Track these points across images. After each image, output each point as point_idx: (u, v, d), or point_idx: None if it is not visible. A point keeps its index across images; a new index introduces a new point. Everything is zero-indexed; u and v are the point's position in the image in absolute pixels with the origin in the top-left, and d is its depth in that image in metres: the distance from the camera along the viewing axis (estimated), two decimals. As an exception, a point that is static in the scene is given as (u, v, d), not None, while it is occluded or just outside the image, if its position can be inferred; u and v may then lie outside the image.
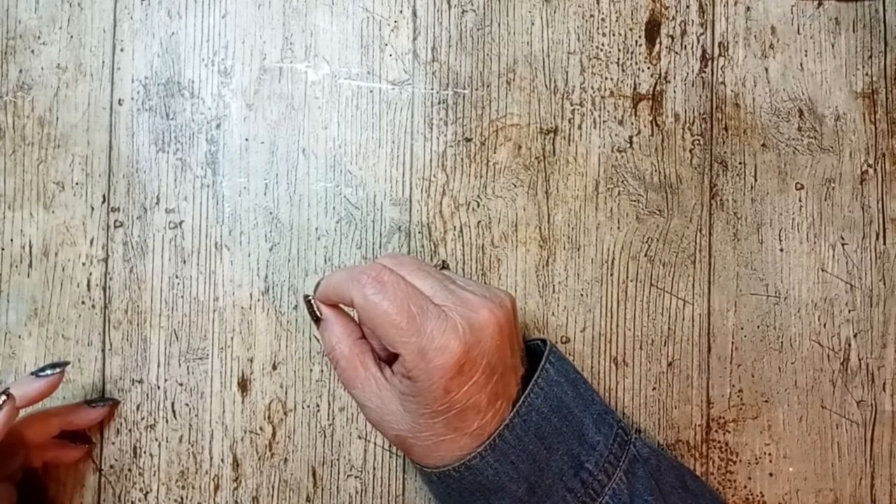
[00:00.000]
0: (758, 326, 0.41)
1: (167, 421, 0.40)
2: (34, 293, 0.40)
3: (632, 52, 0.41)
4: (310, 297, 0.34)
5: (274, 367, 0.40)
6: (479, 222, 0.41)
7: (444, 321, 0.30)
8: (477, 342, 0.30)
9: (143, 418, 0.40)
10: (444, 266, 0.37)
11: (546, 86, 0.41)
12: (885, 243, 0.41)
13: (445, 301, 0.31)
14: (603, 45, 0.41)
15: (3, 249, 0.41)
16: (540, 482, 0.32)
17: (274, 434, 0.40)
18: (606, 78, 0.41)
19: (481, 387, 0.30)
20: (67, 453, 0.39)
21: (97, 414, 0.39)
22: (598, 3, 0.41)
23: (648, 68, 0.41)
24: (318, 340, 0.40)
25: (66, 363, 0.36)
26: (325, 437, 0.40)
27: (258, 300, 0.40)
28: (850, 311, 0.41)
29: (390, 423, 0.32)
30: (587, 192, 0.41)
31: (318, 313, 0.34)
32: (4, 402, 0.33)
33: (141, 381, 0.40)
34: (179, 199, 0.41)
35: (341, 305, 0.34)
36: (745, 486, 0.40)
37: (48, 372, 0.35)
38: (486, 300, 0.31)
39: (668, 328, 0.41)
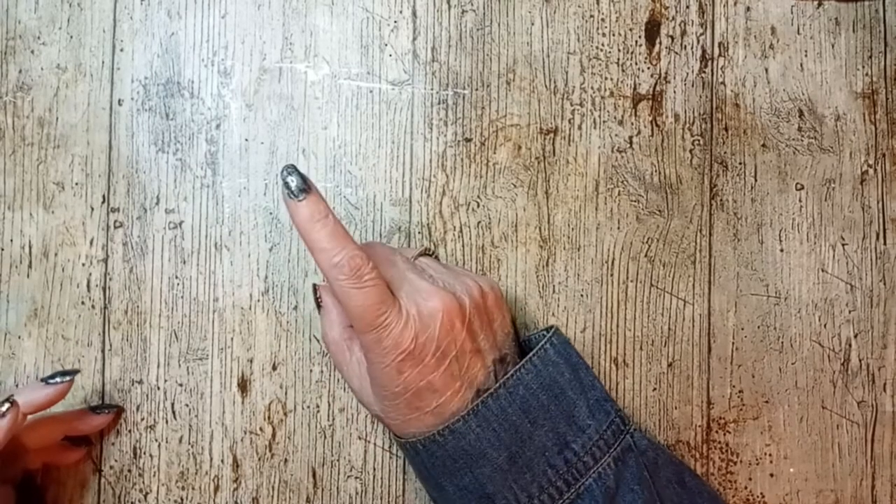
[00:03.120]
0: (758, 327, 0.41)
1: (167, 421, 0.40)
2: (34, 294, 0.40)
3: (632, 53, 0.41)
4: (316, 285, 0.37)
5: (274, 368, 0.40)
6: (478, 223, 0.41)
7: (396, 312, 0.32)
8: (425, 328, 0.32)
9: (142, 419, 0.40)
10: (427, 253, 0.38)
11: (546, 86, 0.41)
12: (885, 243, 0.41)
13: (400, 291, 0.33)
14: (603, 45, 0.41)
15: (2, 250, 0.41)
16: (521, 453, 0.33)
17: (274, 435, 0.40)
18: (606, 78, 0.41)
19: (433, 369, 0.32)
20: (67, 455, 0.39)
21: (101, 420, 0.39)
22: (598, 4, 0.41)
23: (648, 68, 0.41)
24: (318, 341, 0.40)
25: (76, 371, 0.36)
26: (325, 437, 0.40)
27: (258, 300, 0.40)
28: (850, 312, 0.41)
29: (369, 404, 0.35)
30: (587, 193, 0.41)
31: (319, 301, 0.37)
32: (8, 409, 0.32)
33: (141, 382, 0.40)
34: (179, 200, 0.41)
35: None
36: (746, 487, 0.40)
37: (57, 380, 0.34)
38: (440, 290, 0.33)
39: (669, 329, 0.41)
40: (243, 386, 0.40)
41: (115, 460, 0.40)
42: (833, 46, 0.41)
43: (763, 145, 0.41)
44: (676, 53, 0.41)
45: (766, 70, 0.41)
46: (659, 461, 0.35)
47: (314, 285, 0.38)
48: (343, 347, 0.35)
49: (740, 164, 0.41)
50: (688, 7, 0.41)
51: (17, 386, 0.40)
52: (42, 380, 0.35)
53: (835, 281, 0.41)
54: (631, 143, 0.41)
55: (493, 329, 0.35)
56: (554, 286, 0.41)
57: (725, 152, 0.41)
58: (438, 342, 0.32)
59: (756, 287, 0.41)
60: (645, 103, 0.41)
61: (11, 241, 0.41)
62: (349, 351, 0.35)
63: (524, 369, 0.34)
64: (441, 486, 0.34)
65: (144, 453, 0.40)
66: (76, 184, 0.41)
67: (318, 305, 0.37)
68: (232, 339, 0.40)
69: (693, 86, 0.41)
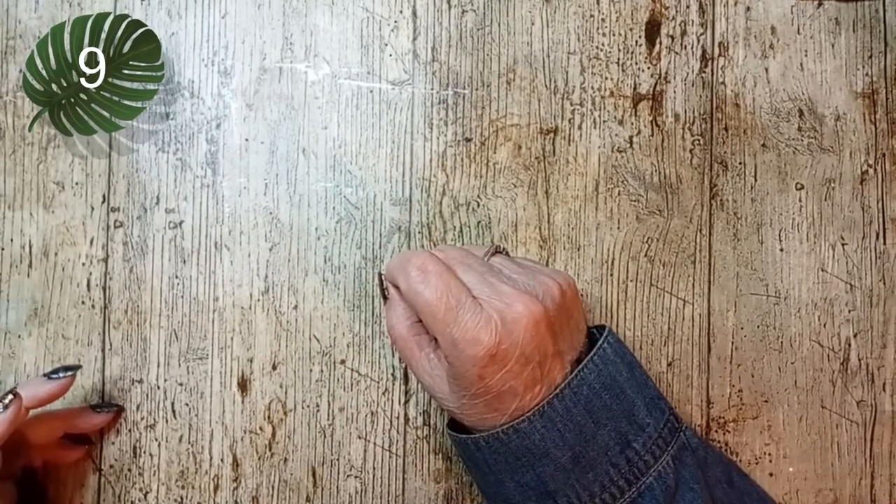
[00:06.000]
0: (758, 326, 0.41)
1: (167, 421, 0.40)
2: (34, 293, 0.40)
3: (632, 53, 0.41)
4: (382, 275, 0.37)
5: (274, 367, 0.40)
6: (479, 222, 0.41)
7: (478, 314, 0.32)
8: (509, 334, 0.31)
9: (142, 418, 0.40)
10: (499, 251, 0.36)
11: (546, 86, 0.41)
12: (885, 243, 0.41)
13: (483, 294, 0.32)
14: (603, 45, 0.41)
15: (3, 249, 0.41)
16: (584, 453, 0.33)
17: (274, 434, 0.40)
18: (606, 78, 0.41)
19: (516, 374, 0.32)
20: (68, 453, 0.39)
21: (101, 419, 0.39)
22: (598, 4, 0.41)
23: (648, 68, 0.41)
24: (317, 340, 0.40)
25: (78, 367, 0.36)
26: (324, 437, 0.40)
27: (258, 300, 0.40)
28: (850, 311, 0.41)
29: (442, 400, 0.34)
30: (587, 193, 0.41)
31: (385, 292, 0.36)
32: (11, 401, 0.33)
33: (141, 381, 0.40)
34: (179, 199, 0.41)
35: None
36: (745, 487, 0.40)
37: (60, 374, 0.35)
38: (523, 294, 0.32)
39: (668, 328, 0.41)
40: (243, 385, 0.40)
41: (115, 459, 0.40)
42: (833, 46, 0.41)
43: (763, 145, 0.41)
44: (676, 53, 0.41)
45: (766, 70, 0.41)
46: (709, 460, 0.35)
47: (379, 274, 0.37)
48: (411, 343, 0.35)
49: (740, 163, 0.41)
50: (688, 7, 0.41)
51: (16, 385, 0.40)
52: (45, 375, 0.35)
53: (834, 281, 0.41)
54: (631, 142, 0.41)
55: (570, 327, 0.34)
56: (554, 286, 0.41)
57: (725, 152, 0.41)
58: (523, 348, 0.32)
59: (756, 287, 0.41)
60: (645, 103, 0.41)
61: (12, 240, 0.41)
62: (418, 347, 0.35)
63: (587, 369, 0.33)
64: (501, 482, 0.34)
65: (144, 452, 0.40)
66: (76, 183, 0.41)
67: (384, 297, 0.36)
68: (232, 338, 0.40)
69: (693, 86, 0.41)
